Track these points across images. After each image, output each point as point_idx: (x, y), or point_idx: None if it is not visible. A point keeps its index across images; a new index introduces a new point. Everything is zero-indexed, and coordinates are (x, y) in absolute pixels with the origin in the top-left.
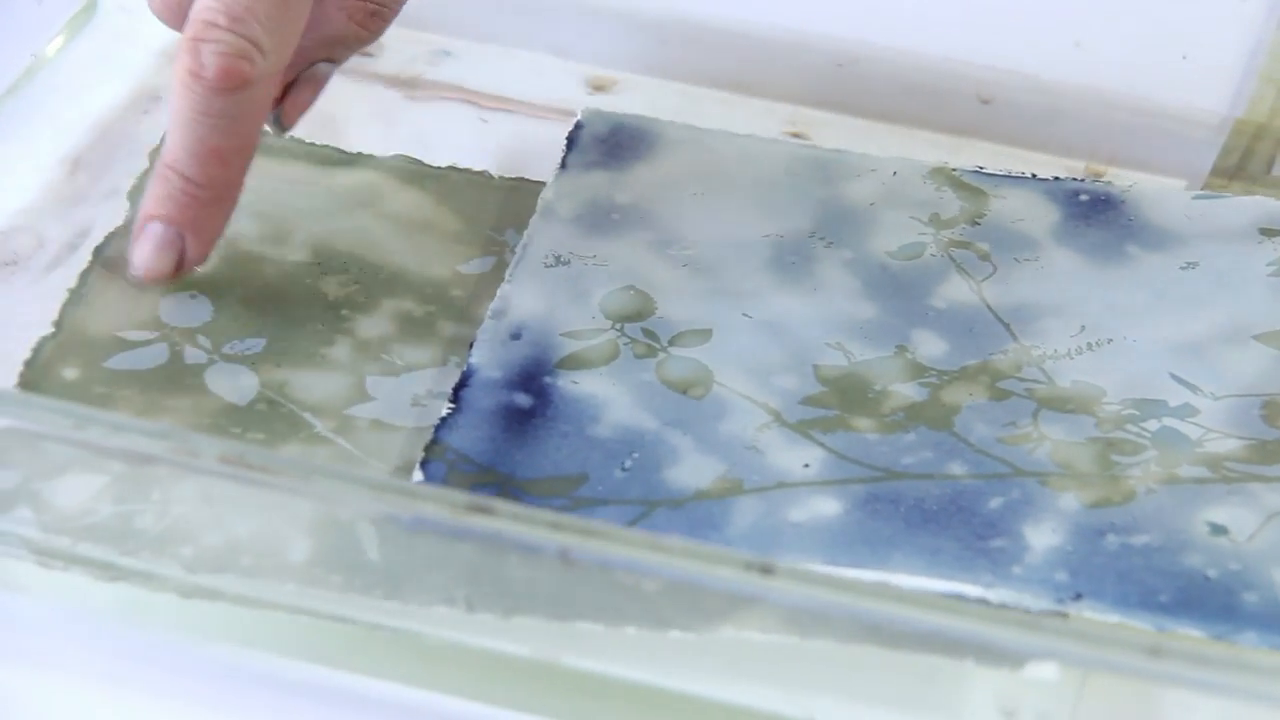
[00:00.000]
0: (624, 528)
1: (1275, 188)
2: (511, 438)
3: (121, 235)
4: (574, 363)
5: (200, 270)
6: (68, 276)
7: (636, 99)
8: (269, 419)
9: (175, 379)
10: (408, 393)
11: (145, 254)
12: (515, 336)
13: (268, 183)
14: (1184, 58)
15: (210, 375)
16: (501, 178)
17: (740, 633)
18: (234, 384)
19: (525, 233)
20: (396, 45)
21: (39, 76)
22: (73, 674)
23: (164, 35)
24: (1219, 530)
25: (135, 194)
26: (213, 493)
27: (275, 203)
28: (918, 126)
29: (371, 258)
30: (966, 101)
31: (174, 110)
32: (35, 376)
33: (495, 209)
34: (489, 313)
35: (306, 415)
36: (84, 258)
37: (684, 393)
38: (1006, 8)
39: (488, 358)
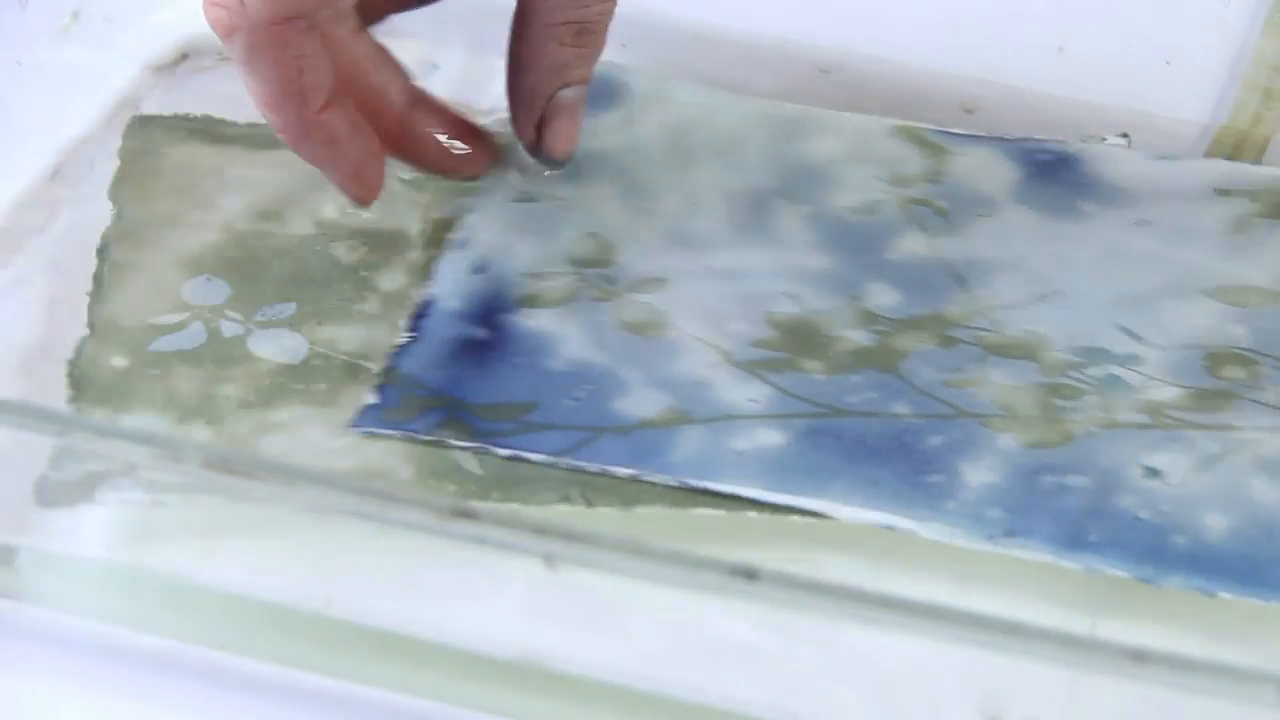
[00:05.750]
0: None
1: None
2: (465, 366)
3: (119, 237)
4: (532, 301)
5: (208, 252)
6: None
7: None
8: (326, 370)
9: (221, 352)
10: None
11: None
12: (478, 270)
13: (249, 169)
14: (1167, 64)
15: (252, 342)
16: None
17: None
18: (279, 345)
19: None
20: None
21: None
22: (61, 680)
23: (147, 47)
24: (1153, 474)
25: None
26: None
27: (263, 184)
28: None
29: (370, 225)
30: (950, 110)
31: None
32: (82, 372)
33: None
34: (452, 243)
35: (361, 362)
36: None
37: (638, 333)
38: (990, 16)
39: (449, 288)
